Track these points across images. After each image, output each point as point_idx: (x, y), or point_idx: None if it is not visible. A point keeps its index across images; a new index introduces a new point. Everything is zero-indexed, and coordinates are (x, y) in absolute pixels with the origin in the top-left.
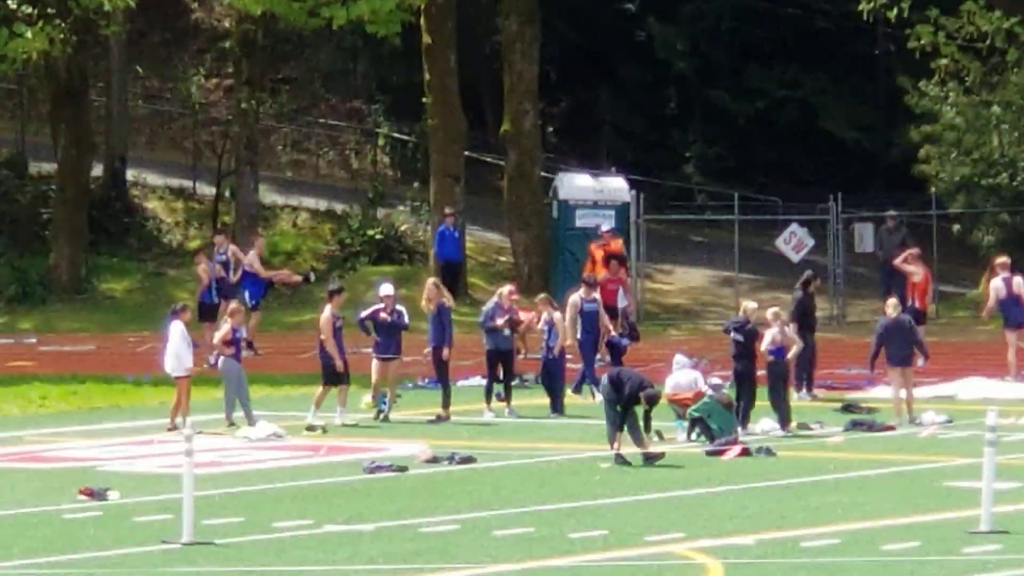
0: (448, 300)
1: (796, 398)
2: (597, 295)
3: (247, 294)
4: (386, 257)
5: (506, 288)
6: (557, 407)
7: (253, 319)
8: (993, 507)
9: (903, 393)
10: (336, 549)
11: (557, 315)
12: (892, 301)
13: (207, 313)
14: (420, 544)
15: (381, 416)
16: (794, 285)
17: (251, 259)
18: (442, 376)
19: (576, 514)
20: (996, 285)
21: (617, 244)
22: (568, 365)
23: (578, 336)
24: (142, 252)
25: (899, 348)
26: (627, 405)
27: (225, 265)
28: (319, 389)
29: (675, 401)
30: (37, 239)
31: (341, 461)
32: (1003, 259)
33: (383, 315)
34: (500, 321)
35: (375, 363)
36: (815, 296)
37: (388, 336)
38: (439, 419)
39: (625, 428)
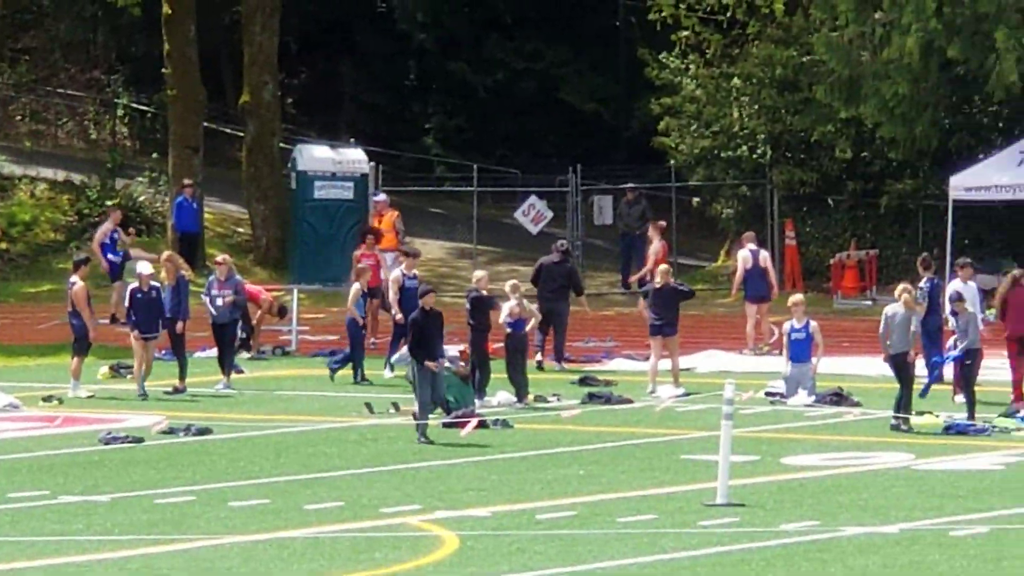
0: (187, 272)
1: (557, 368)
2: (415, 271)
3: (110, 267)
4: (124, 228)
5: (218, 257)
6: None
7: (115, 293)
8: (729, 480)
9: (660, 362)
10: (71, 520)
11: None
12: (663, 267)
13: None
14: (155, 515)
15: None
16: (535, 257)
17: (104, 231)
18: (178, 348)
19: (311, 485)
20: (743, 255)
21: (389, 216)
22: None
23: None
24: None
25: (661, 316)
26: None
27: None
28: (74, 360)
29: None
30: None
31: (77, 432)
32: (750, 233)
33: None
34: (216, 294)
35: (136, 342)
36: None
37: (148, 314)
38: (175, 391)
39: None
